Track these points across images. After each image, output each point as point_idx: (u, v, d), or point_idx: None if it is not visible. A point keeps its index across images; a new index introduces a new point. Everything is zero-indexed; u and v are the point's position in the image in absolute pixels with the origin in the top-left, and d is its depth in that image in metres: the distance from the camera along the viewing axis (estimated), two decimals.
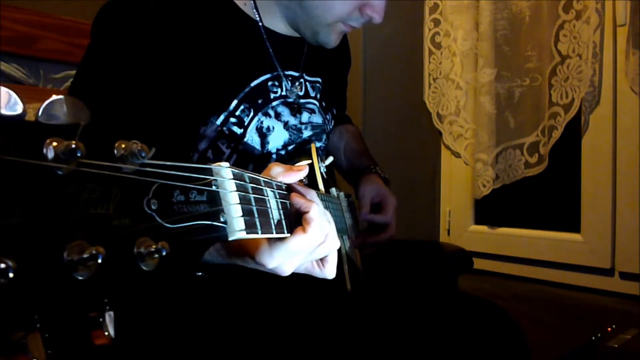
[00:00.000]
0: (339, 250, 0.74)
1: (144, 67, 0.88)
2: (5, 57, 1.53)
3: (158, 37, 0.89)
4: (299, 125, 1.08)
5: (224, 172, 0.50)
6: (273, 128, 1.03)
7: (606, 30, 2.32)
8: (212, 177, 0.47)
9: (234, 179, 0.51)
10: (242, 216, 0.49)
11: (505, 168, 2.62)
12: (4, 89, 0.29)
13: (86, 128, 0.32)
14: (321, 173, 1.05)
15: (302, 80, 1.11)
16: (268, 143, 1.02)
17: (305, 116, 1.10)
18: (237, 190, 0.50)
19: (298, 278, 0.72)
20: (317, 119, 1.14)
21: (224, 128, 0.96)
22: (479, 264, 2.49)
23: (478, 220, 2.87)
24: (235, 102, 0.97)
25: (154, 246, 0.36)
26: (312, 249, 0.66)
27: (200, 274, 0.85)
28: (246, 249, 0.65)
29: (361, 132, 1.49)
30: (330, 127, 1.23)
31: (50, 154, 0.30)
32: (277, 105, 1.04)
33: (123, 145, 0.35)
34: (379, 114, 2.67)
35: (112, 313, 0.36)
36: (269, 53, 1.05)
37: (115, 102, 0.86)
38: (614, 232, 2.35)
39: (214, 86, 0.95)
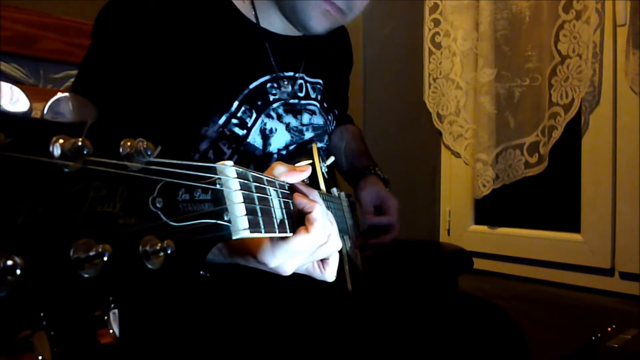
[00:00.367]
0: (340, 251, 0.74)
1: (145, 67, 0.88)
2: (5, 57, 1.52)
3: (158, 37, 0.89)
4: (300, 127, 1.08)
5: (228, 171, 0.50)
6: (276, 130, 1.03)
7: (606, 30, 2.33)
8: (216, 176, 0.47)
9: (237, 177, 0.51)
10: (245, 215, 0.49)
11: (505, 168, 2.62)
12: (11, 86, 0.29)
13: (92, 126, 0.32)
14: (322, 173, 1.05)
15: (301, 81, 1.11)
16: (270, 144, 1.02)
17: (306, 117, 1.10)
18: (240, 189, 0.50)
19: (299, 278, 0.72)
20: (318, 120, 1.14)
21: (226, 129, 0.96)
22: (479, 264, 2.49)
23: (478, 220, 2.87)
24: (236, 103, 0.97)
25: (159, 245, 0.36)
26: (314, 249, 0.66)
27: (202, 273, 0.85)
28: (248, 248, 0.65)
29: (362, 133, 1.49)
30: (332, 128, 1.23)
31: (57, 152, 0.30)
32: (278, 107, 1.04)
33: (129, 144, 0.34)
34: (379, 114, 2.67)
35: (116, 311, 0.36)
36: (267, 55, 1.04)
37: (116, 102, 0.86)
38: (614, 232, 2.35)
39: (214, 87, 0.95)
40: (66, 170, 0.30)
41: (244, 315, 0.89)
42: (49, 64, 1.64)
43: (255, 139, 0.99)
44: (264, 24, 1.05)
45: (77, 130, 0.31)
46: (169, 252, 0.36)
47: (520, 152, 2.58)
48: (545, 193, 2.63)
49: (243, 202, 0.49)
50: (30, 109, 0.30)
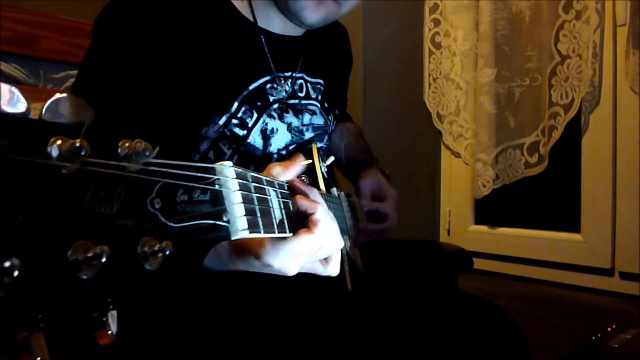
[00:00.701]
0: (340, 250, 0.74)
1: (144, 68, 0.88)
2: (5, 57, 1.53)
3: (158, 38, 0.89)
4: (300, 127, 1.08)
5: (227, 172, 0.50)
6: (277, 130, 1.03)
7: (606, 30, 2.33)
8: (215, 177, 0.47)
9: (237, 178, 0.51)
10: (245, 215, 0.49)
11: (505, 168, 2.62)
12: (8, 87, 0.29)
13: (90, 127, 0.32)
14: (322, 173, 1.05)
15: (302, 81, 1.11)
16: (270, 145, 1.02)
17: (306, 117, 1.10)
18: (240, 190, 0.50)
19: (299, 278, 0.71)
20: (319, 120, 1.14)
21: (226, 129, 0.96)
22: (479, 264, 2.50)
23: (478, 220, 2.87)
24: (236, 104, 0.97)
25: (157, 245, 0.36)
26: (317, 249, 0.67)
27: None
28: (251, 251, 0.65)
29: (362, 130, 1.49)
30: (332, 128, 1.23)
31: (55, 153, 0.30)
32: (278, 107, 1.04)
33: (127, 144, 0.34)
34: (379, 114, 2.67)
35: (115, 312, 0.36)
36: (266, 55, 1.04)
37: (116, 102, 0.86)
38: (614, 232, 2.35)
39: (214, 88, 0.95)
40: (64, 171, 0.30)
41: (243, 315, 0.89)
42: (49, 64, 1.65)
43: (255, 139, 0.99)
44: (262, 23, 1.05)
45: (75, 131, 0.31)
46: (167, 253, 0.36)
47: (520, 152, 2.58)
48: (545, 193, 2.63)
49: (242, 203, 0.49)
50: (29, 110, 0.30)
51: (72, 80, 1.65)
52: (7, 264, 0.26)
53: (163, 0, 0.93)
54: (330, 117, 1.19)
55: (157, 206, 0.38)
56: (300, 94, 1.10)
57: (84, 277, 0.31)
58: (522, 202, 2.71)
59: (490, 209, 2.82)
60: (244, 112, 0.98)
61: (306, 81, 1.12)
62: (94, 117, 0.34)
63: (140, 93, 0.88)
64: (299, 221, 0.67)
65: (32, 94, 1.59)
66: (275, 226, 0.59)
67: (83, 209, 0.31)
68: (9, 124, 0.28)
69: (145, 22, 0.89)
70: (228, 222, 0.47)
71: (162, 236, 0.37)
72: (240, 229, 0.48)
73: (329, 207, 0.95)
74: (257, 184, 0.56)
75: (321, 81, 1.17)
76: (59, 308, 0.31)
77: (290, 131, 1.05)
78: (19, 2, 1.52)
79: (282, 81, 1.06)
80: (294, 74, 1.09)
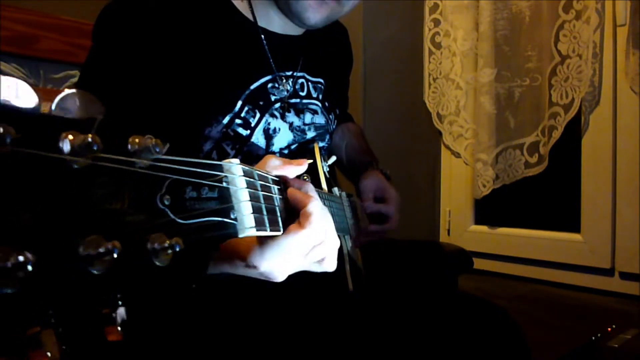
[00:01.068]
0: (341, 250, 0.72)
1: (145, 68, 0.88)
2: (5, 57, 1.52)
3: (158, 38, 0.89)
4: (302, 126, 1.08)
5: (235, 169, 0.50)
6: (279, 129, 1.03)
7: (606, 30, 2.33)
8: (223, 174, 0.47)
9: (244, 175, 0.50)
10: (252, 213, 0.49)
11: (505, 168, 2.62)
12: (18, 81, 0.29)
13: (101, 123, 0.32)
14: (324, 172, 1.05)
15: (303, 80, 1.11)
16: (273, 144, 1.02)
17: (308, 117, 1.10)
18: (247, 188, 0.49)
19: (300, 277, 0.70)
20: (320, 119, 1.14)
21: (229, 129, 0.96)
22: (479, 264, 2.49)
23: (478, 220, 2.87)
24: (239, 103, 0.97)
25: (167, 242, 0.35)
26: (309, 248, 0.62)
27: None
28: (236, 252, 0.61)
29: (363, 130, 1.49)
30: (333, 127, 1.23)
31: (67, 147, 0.30)
32: (280, 106, 1.04)
33: (137, 140, 0.34)
34: (379, 114, 2.67)
35: (123, 309, 0.36)
36: (266, 55, 1.04)
37: (118, 103, 0.85)
38: (614, 232, 2.35)
39: (216, 88, 0.95)
40: (75, 166, 0.30)
41: (246, 314, 0.89)
42: (49, 64, 1.64)
43: (258, 138, 0.99)
44: (262, 23, 1.05)
45: (86, 127, 0.31)
46: (177, 249, 0.36)
47: (520, 152, 2.58)
48: (545, 193, 2.63)
49: (249, 201, 0.49)
50: (39, 105, 0.30)
51: (72, 80, 1.66)
52: (21, 258, 0.26)
53: (163, 0, 0.93)
54: (331, 117, 1.20)
55: (166, 202, 0.38)
56: (301, 93, 1.10)
57: (95, 272, 0.30)
58: (522, 202, 2.71)
59: (490, 209, 2.82)
60: (247, 112, 0.98)
61: (307, 80, 1.13)
62: (104, 113, 0.34)
63: (142, 94, 0.88)
64: (291, 217, 0.62)
65: None
66: (281, 224, 0.58)
67: (94, 204, 0.31)
68: (21, 118, 0.28)
69: (145, 22, 0.89)
70: (235, 219, 0.47)
71: (172, 232, 0.37)
72: (247, 226, 0.48)
73: (331, 207, 0.95)
74: (263, 182, 0.56)
75: (322, 80, 1.17)
76: (70, 303, 0.31)
77: (292, 130, 1.05)
78: (19, 2, 1.52)
79: (284, 80, 1.06)
80: (294, 73, 1.09)
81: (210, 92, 0.95)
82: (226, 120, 0.96)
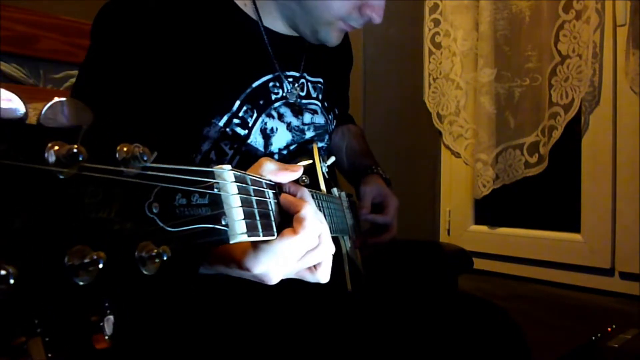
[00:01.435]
0: (340, 251, 0.73)
1: (146, 68, 0.88)
2: (5, 57, 1.52)
3: (159, 37, 0.89)
4: (301, 126, 1.08)
5: (226, 175, 0.50)
6: (277, 129, 1.03)
7: (606, 30, 2.32)
8: (214, 180, 0.47)
9: (235, 181, 0.50)
10: (243, 219, 0.49)
11: (505, 168, 2.62)
12: (5, 92, 0.29)
13: (88, 131, 0.32)
14: (323, 173, 1.05)
15: (303, 80, 1.11)
16: (271, 144, 1.02)
17: (307, 117, 1.10)
18: (238, 193, 0.49)
19: (297, 279, 0.70)
20: (320, 119, 1.14)
21: (227, 129, 0.96)
22: (479, 264, 2.49)
23: (478, 220, 2.87)
24: (237, 103, 0.97)
25: (155, 250, 0.35)
26: (303, 253, 0.63)
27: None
28: (231, 255, 0.62)
29: (363, 132, 1.49)
30: (333, 127, 1.23)
31: (52, 158, 0.30)
32: (279, 106, 1.04)
33: (125, 149, 0.34)
34: (379, 114, 2.67)
35: (112, 317, 0.36)
36: (269, 54, 1.05)
37: (118, 103, 0.85)
38: (614, 232, 2.35)
39: (216, 87, 0.95)
40: (61, 176, 0.30)
41: (242, 317, 0.88)
42: (49, 64, 1.64)
43: (256, 138, 0.99)
44: (266, 23, 1.05)
45: (72, 136, 0.31)
46: (164, 258, 0.36)
47: (520, 152, 2.58)
48: (545, 193, 2.63)
49: (241, 206, 0.49)
50: (26, 115, 0.30)
51: (72, 80, 1.66)
52: (2, 272, 0.26)
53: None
54: (330, 116, 1.20)
55: (155, 210, 0.37)
56: (301, 93, 1.10)
57: (81, 283, 0.30)
58: (522, 202, 2.71)
59: (490, 209, 2.82)
60: (245, 112, 0.98)
61: (307, 80, 1.13)
62: (92, 121, 0.34)
63: (142, 93, 0.87)
64: (286, 222, 0.62)
65: (32, 94, 1.59)
66: (275, 229, 0.58)
67: (80, 214, 0.31)
68: (6, 129, 0.28)
69: (145, 21, 0.89)
70: (227, 225, 0.47)
71: (160, 241, 0.37)
72: (238, 232, 0.48)
73: (330, 207, 0.95)
74: (256, 187, 0.56)
75: (321, 80, 1.17)
76: (56, 313, 0.31)
77: (290, 130, 1.05)
78: (19, 2, 1.52)
79: (287, 81, 1.06)
80: (296, 73, 1.10)
81: (210, 91, 0.94)
82: (224, 119, 0.96)
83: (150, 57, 0.88)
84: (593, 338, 1.50)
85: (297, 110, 1.08)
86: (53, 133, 0.30)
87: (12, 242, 0.27)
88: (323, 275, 0.69)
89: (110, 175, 0.33)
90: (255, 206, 0.53)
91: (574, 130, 2.43)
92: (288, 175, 0.66)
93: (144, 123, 0.84)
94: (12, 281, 0.26)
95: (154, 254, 0.35)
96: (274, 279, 0.62)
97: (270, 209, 0.59)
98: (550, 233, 2.57)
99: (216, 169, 0.49)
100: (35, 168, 0.29)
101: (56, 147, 0.30)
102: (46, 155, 0.29)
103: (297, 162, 1.00)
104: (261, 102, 1.00)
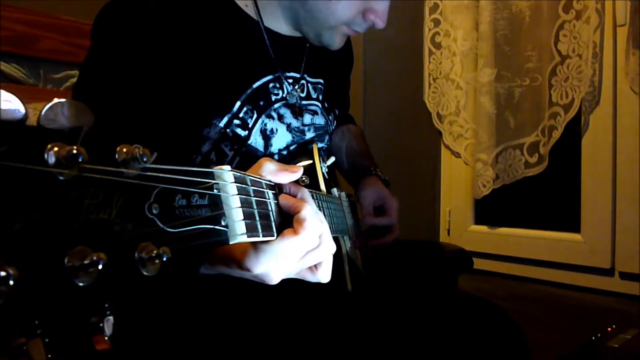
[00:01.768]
0: (340, 251, 0.73)
1: (146, 68, 0.88)
2: (5, 57, 1.52)
3: (159, 37, 0.89)
4: (301, 127, 1.08)
5: (226, 176, 0.50)
6: (277, 130, 1.03)
7: (606, 30, 2.32)
8: (213, 181, 0.47)
9: (235, 182, 0.50)
10: (243, 220, 0.49)
11: (505, 168, 2.62)
12: (5, 93, 0.29)
13: (88, 132, 0.32)
14: (323, 173, 1.05)
15: (303, 81, 1.11)
16: (271, 145, 1.02)
17: (307, 118, 1.10)
18: (238, 194, 0.49)
19: (297, 279, 0.70)
20: (320, 120, 1.14)
21: (228, 130, 0.96)
22: (479, 264, 2.49)
23: (478, 220, 2.87)
24: (238, 103, 0.97)
25: (155, 251, 0.35)
26: (303, 253, 0.63)
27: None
28: (232, 255, 0.62)
29: (363, 132, 1.49)
30: (333, 128, 1.23)
31: (52, 160, 0.30)
32: (279, 107, 1.04)
33: (125, 150, 0.34)
34: (379, 114, 2.67)
35: (111, 318, 0.36)
36: (269, 54, 1.05)
37: (118, 103, 0.85)
38: (614, 232, 2.35)
39: (216, 87, 0.95)
40: (61, 178, 0.30)
41: (242, 317, 0.88)
42: (49, 64, 1.64)
43: (256, 139, 0.99)
44: (267, 23, 1.05)
45: (72, 137, 0.31)
46: (164, 259, 0.36)
47: (520, 152, 2.57)
48: (545, 193, 2.63)
49: (240, 207, 0.49)
50: (26, 116, 0.30)
51: (72, 80, 1.66)
52: (2, 273, 0.26)
53: None
54: (330, 117, 1.20)
55: (155, 211, 0.37)
56: (301, 94, 1.10)
57: (81, 284, 0.30)
58: (522, 202, 2.70)
59: (490, 209, 2.82)
60: (245, 113, 0.98)
61: (307, 81, 1.13)
62: (92, 122, 0.34)
63: (142, 94, 0.87)
64: (286, 223, 0.63)
65: (32, 94, 1.59)
66: (275, 229, 0.58)
67: (81, 215, 0.31)
68: (7, 131, 0.28)
69: (145, 21, 0.89)
70: (226, 226, 0.47)
71: (160, 242, 0.37)
72: (238, 233, 0.48)
73: (330, 208, 0.95)
74: (256, 188, 0.56)
75: (321, 81, 1.17)
76: (57, 314, 0.31)
77: (290, 131, 1.05)
78: (19, 2, 1.52)
79: (287, 82, 1.06)
80: (297, 74, 1.10)
81: (211, 91, 0.94)
82: (225, 120, 0.96)
83: (151, 57, 0.88)
84: (593, 338, 1.50)
85: (297, 111, 1.08)
86: (53, 134, 0.30)
87: (12, 243, 0.27)
88: (324, 275, 0.69)
89: (110, 177, 0.33)
90: (255, 207, 0.53)
91: (574, 130, 2.43)
92: (288, 176, 0.66)
93: (144, 124, 0.84)
94: (12, 282, 0.26)
95: (154, 254, 0.35)
96: (274, 279, 0.62)
97: (270, 209, 0.59)
98: (550, 233, 2.57)
99: (216, 169, 0.49)
100: (35, 169, 0.29)
101: (56, 149, 0.30)
102: (46, 156, 0.30)
103: (297, 163, 1.00)
104: (261, 103, 1.00)
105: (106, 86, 0.87)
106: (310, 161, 1.03)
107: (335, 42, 1.06)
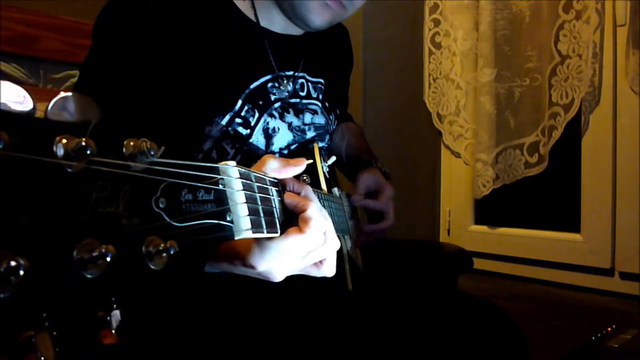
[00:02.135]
0: (340, 250, 0.73)
1: (146, 68, 0.88)
2: (5, 57, 1.52)
3: (159, 37, 0.89)
4: (302, 126, 1.08)
5: (231, 171, 0.50)
6: (278, 129, 1.03)
7: (606, 30, 2.33)
8: (219, 176, 0.47)
9: (240, 178, 0.50)
10: (248, 215, 0.49)
11: (505, 168, 2.62)
12: (14, 86, 0.29)
13: (96, 126, 0.32)
14: (323, 173, 1.05)
15: (302, 81, 1.11)
16: (273, 144, 1.02)
17: (307, 117, 1.10)
18: (243, 190, 0.49)
19: (300, 277, 0.70)
20: (320, 119, 1.14)
21: (229, 128, 0.96)
22: (479, 264, 2.49)
23: (478, 220, 2.87)
24: (240, 102, 0.97)
25: (162, 245, 0.35)
26: (308, 251, 0.63)
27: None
28: (236, 252, 0.62)
29: (363, 130, 1.49)
30: (333, 127, 1.23)
31: (60, 152, 0.30)
32: (279, 106, 1.04)
33: (132, 143, 0.34)
34: (379, 114, 2.67)
35: (118, 312, 0.36)
36: (267, 54, 1.04)
37: (119, 102, 0.85)
38: (614, 232, 2.35)
39: (216, 87, 0.95)
40: (69, 170, 0.30)
41: (245, 315, 0.89)
42: (49, 64, 1.64)
43: (258, 138, 0.99)
44: (264, 23, 1.05)
45: (80, 130, 0.31)
46: (171, 252, 0.36)
47: (520, 152, 2.58)
48: (545, 193, 2.63)
49: (245, 203, 0.49)
50: (34, 109, 0.30)
51: (73, 80, 1.65)
52: (13, 263, 0.26)
53: None
54: (331, 117, 1.20)
55: (161, 205, 0.37)
56: (301, 94, 1.10)
57: (89, 276, 0.30)
58: (522, 202, 2.71)
59: (490, 209, 2.82)
60: (247, 111, 0.98)
61: (307, 80, 1.13)
62: (99, 116, 0.34)
63: (143, 93, 0.88)
64: (290, 220, 0.62)
65: (32, 94, 1.59)
66: (278, 226, 0.58)
67: (89, 208, 0.31)
68: (16, 122, 0.28)
69: (145, 21, 0.89)
70: (231, 222, 0.47)
71: (167, 236, 0.37)
72: (243, 229, 0.48)
73: (330, 207, 0.95)
74: (260, 184, 0.56)
75: (322, 80, 1.17)
76: (64, 307, 0.31)
77: (291, 130, 1.05)
78: (19, 2, 1.52)
79: (284, 81, 1.06)
80: (295, 73, 1.09)
81: (211, 90, 0.94)
82: (226, 119, 0.96)
83: (151, 56, 0.88)
84: (593, 338, 1.50)
85: (297, 110, 1.08)
86: (62, 127, 0.30)
87: (22, 235, 0.27)
88: (328, 270, 0.69)
89: (118, 170, 0.33)
90: (259, 203, 0.53)
91: (574, 130, 2.44)
92: (292, 169, 0.66)
93: (145, 122, 0.84)
94: (22, 273, 0.26)
95: (161, 248, 0.35)
96: (278, 276, 0.62)
97: (273, 206, 0.59)
98: (550, 233, 2.57)
99: (221, 165, 0.49)
100: (44, 161, 0.29)
101: (65, 141, 0.30)
102: (55, 148, 0.29)
103: None
104: (261, 102, 1.00)
105: (106, 85, 0.88)
106: (311, 160, 1.03)
107: (315, 13, 0.99)
